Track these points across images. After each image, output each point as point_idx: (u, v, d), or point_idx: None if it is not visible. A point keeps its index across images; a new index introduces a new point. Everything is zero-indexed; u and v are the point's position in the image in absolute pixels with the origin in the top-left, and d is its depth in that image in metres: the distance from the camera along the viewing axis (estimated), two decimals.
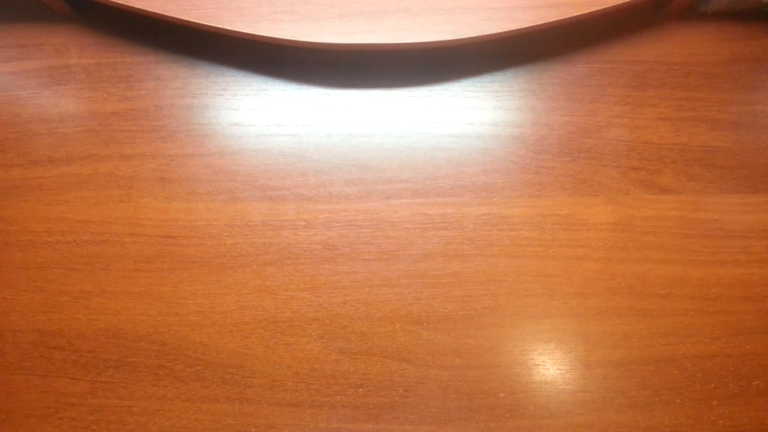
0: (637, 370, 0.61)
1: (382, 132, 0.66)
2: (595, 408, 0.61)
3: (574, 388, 0.61)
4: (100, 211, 0.62)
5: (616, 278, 0.63)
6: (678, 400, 0.61)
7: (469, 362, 0.61)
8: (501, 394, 0.61)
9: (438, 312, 0.62)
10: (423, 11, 0.58)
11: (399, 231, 0.64)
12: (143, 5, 0.57)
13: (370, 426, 0.60)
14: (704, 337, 0.62)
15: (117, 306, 0.61)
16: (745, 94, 0.64)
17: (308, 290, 0.62)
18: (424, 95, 0.66)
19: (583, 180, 0.65)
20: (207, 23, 0.57)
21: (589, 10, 0.58)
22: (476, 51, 0.66)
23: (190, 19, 0.57)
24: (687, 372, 0.61)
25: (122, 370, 0.60)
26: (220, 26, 0.58)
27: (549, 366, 0.62)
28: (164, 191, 0.63)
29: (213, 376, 0.61)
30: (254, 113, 0.65)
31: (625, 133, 0.65)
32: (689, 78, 0.65)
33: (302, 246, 0.63)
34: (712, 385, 0.62)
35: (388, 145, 0.65)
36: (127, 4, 0.57)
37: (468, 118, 0.66)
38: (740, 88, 0.65)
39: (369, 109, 0.66)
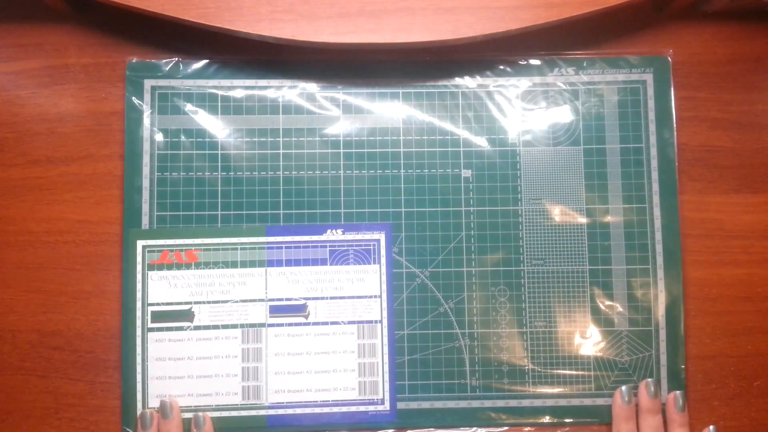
0: None
1: None
2: None
3: None
4: (99, 211, 0.62)
5: None
6: None
7: None
8: None
9: None
10: (423, 11, 0.58)
11: None
12: (143, 5, 0.57)
13: None
14: (704, 337, 0.62)
15: (117, 306, 0.61)
16: (745, 94, 0.64)
17: None
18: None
19: None
20: (207, 23, 0.57)
21: (589, 10, 0.58)
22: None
23: (190, 19, 0.57)
24: (687, 372, 0.61)
25: (122, 371, 0.60)
26: (219, 26, 0.57)
27: None
28: None
29: None
30: None
31: None
32: (689, 78, 0.65)
33: None
34: (713, 385, 0.62)
35: None
36: (127, 3, 0.57)
37: None
38: (740, 88, 0.65)
39: None
